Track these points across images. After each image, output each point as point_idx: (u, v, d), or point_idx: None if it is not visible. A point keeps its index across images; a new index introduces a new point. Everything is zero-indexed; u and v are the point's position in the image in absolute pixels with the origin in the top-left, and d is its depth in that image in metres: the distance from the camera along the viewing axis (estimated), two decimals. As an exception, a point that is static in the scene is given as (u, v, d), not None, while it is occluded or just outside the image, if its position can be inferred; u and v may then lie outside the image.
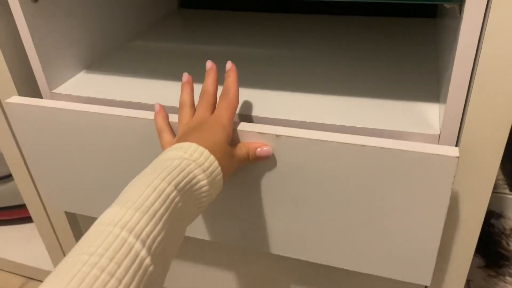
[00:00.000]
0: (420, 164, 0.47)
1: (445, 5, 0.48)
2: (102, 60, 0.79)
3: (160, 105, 0.57)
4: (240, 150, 0.51)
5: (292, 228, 0.57)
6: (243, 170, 0.55)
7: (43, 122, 0.63)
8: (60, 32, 0.69)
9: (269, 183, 0.55)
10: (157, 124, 0.55)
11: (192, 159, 0.44)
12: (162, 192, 0.40)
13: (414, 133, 0.53)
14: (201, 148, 0.45)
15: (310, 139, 0.50)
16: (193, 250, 0.77)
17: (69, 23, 0.71)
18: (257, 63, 0.74)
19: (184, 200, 0.42)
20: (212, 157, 0.46)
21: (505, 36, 0.43)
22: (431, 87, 0.62)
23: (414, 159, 0.47)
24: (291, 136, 0.51)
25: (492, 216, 1.01)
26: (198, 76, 0.70)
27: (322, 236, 0.56)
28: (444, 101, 0.51)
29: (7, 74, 0.74)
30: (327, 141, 0.49)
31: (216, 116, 0.51)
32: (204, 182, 0.44)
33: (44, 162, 0.68)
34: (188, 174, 0.43)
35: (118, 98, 0.65)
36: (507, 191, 1.02)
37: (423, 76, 0.65)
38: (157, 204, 0.39)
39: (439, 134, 0.52)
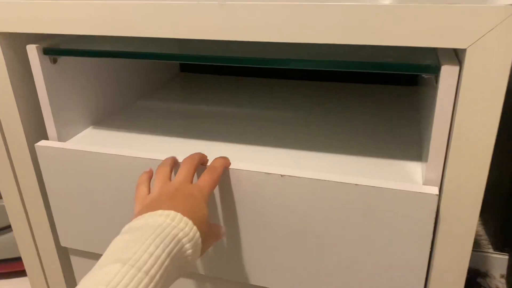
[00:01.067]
0: (405, 200, 0.53)
1: (423, 75, 0.55)
2: (110, 117, 0.84)
3: (151, 169, 0.60)
4: (216, 228, 0.56)
5: (291, 262, 0.62)
6: (248, 207, 0.60)
7: (69, 164, 0.68)
8: (73, 90, 0.75)
9: (272, 218, 0.60)
10: (140, 177, 0.58)
11: (179, 228, 0.47)
12: (158, 258, 0.43)
13: (397, 190, 0.58)
14: (186, 219, 0.48)
15: (311, 178, 0.56)
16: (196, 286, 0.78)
17: (82, 83, 0.76)
18: (253, 123, 0.79)
19: (173, 264, 0.45)
20: (195, 229, 0.48)
21: (477, 101, 0.49)
22: (414, 148, 0.68)
23: (400, 196, 0.53)
24: (294, 176, 0.56)
25: (478, 275, 1.04)
26: (197, 133, 0.75)
27: (318, 270, 0.61)
28: (426, 160, 0.56)
29: (19, 126, 0.78)
30: (325, 180, 0.56)
31: (199, 187, 0.53)
32: (190, 252, 0.47)
33: (66, 202, 0.72)
34: (178, 242, 0.46)
35: (123, 153, 0.69)
36: (490, 250, 1.05)
37: (407, 139, 0.71)
38: (153, 271, 0.42)
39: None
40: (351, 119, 0.80)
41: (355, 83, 0.99)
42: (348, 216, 0.56)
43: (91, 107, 0.80)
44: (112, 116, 0.85)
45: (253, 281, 0.65)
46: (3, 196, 0.84)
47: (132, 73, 0.92)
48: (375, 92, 0.93)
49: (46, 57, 0.67)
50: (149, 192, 0.55)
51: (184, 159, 0.57)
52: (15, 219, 0.84)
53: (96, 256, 0.74)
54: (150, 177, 0.58)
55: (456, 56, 0.51)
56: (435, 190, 0.52)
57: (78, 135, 0.77)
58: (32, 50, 0.66)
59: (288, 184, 0.57)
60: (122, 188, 0.66)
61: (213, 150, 0.70)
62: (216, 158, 0.59)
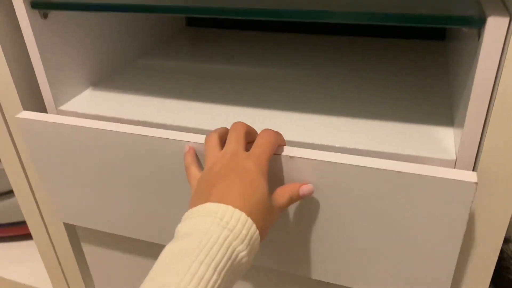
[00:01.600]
0: (436, 189, 0.46)
1: (463, 29, 0.47)
2: (109, 77, 0.78)
3: (190, 146, 0.54)
4: (282, 198, 0.48)
5: (309, 250, 0.56)
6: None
7: (51, 137, 0.62)
8: (68, 48, 0.68)
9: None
10: (185, 159, 0.52)
11: (229, 228, 0.40)
12: (202, 279, 0.37)
13: (429, 158, 0.52)
14: (237, 213, 0.41)
15: (323, 161, 0.49)
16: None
17: (77, 40, 0.70)
18: (265, 82, 0.73)
19: (223, 276, 0.39)
20: (249, 222, 0.42)
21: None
22: (444, 110, 0.61)
23: (431, 184, 0.46)
24: (305, 158, 0.49)
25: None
26: (204, 94, 0.69)
27: (335, 258, 0.55)
28: (461, 126, 0.50)
29: (13, 90, 0.73)
30: (341, 163, 0.48)
31: (255, 156, 0.46)
32: (244, 253, 0.41)
33: (52, 175, 0.66)
34: (227, 249, 0.39)
35: (125, 116, 0.64)
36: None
37: (436, 100, 0.64)
38: None
39: (455, 160, 0.51)
40: (370, 78, 0.73)
41: (373, 37, 0.90)
42: (368, 205, 0.50)
43: (89, 67, 0.74)
44: (112, 76, 0.79)
45: (275, 266, 0.60)
46: (3, 162, 0.80)
47: (133, 28, 0.84)
48: (395, 47, 0.85)
49: (35, 11, 0.61)
50: (200, 170, 0.50)
51: (232, 125, 0.50)
52: (17, 184, 0.81)
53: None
54: (194, 155, 0.53)
55: (505, 6, 0.44)
56: (473, 177, 0.45)
57: (76, 98, 0.71)
58: (19, 4, 0.59)
59: (297, 167, 0.50)
60: (112, 163, 0.60)
61: (221, 114, 0.64)
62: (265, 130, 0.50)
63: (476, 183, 0.44)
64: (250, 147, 0.48)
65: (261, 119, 0.62)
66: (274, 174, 0.51)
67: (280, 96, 0.68)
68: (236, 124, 0.50)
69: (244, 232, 0.41)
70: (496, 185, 0.49)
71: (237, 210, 0.41)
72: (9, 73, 0.70)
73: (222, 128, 0.52)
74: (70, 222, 0.71)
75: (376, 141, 0.55)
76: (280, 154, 0.50)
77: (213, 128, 0.59)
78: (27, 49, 0.63)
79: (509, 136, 0.46)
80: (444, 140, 0.55)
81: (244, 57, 0.84)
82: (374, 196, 0.49)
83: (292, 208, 0.53)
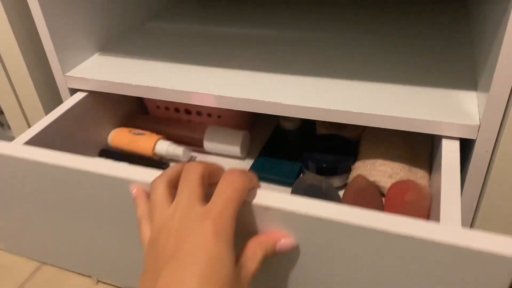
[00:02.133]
0: (459, 261, 0.32)
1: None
2: (117, 42, 0.76)
3: (139, 188, 0.41)
4: (254, 258, 0.35)
5: None
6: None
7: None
8: (74, 12, 0.66)
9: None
10: (137, 210, 0.40)
11: None
12: None
13: (451, 124, 0.50)
14: None
15: (308, 216, 0.35)
16: None
17: (83, 4, 0.67)
18: (276, 45, 0.70)
19: None
20: None
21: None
22: (466, 73, 0.58)
23: (452, 254, 0.32)
24: (284, 210, 0.36)
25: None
26: (212, 57, 0.67)
27: None
28: (486, 89, 0.47)
29: (19, 58, 0.71)
30: (330, 220, 0.34)
31: (213, 215, 0.33)
32: None
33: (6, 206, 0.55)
34: None
35: (133, 82, 0.62)
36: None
37: (457, 62, 0.61)
38: None
39: (479, 125, 0.48)
40: (388, 41, 0.69)
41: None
42: (370, 271, 0.36)
43: (95, 31, 0.71)
44: (120, 40, 0.76)
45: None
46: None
47: (140, -10, 0.81)
48: (414, 8, 0.81)
49: (38, -29, 0.58)
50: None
51: (184, 168, 0.37)
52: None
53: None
54: (147, 202, 0.40)
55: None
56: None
57: (83, 63, 0.69)
58: (20, -36, 0.56)
59: (275, 220, 0.37)
60: (50, 196, 0.49)
61: (229, 78, 0.61)
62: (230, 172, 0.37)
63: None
64: (214, 189, 0.36)
65: (267, 82, 0.60)
66: (244, 228, 0.38)
67: (288, 58, 0.65)
68: (189, 166, 0.37)
69: None
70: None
71: None
72: (15, 40, 0.68)
73: (172, 170, 0.38)
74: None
75: (394, 106, 0.53)
76: (251, 203, 0.37)
77: (223, 94, 0.58)
78: (31, 14, 0.61)
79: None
80: (466, 104, 0.52)
81: (254, 20, 0.81)
82: (376, 263, 0.35)
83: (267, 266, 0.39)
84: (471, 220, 0.56)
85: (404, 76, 0.59)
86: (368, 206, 0.52)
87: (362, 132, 0.67)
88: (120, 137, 0.72)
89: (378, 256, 0.35)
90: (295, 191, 0.59)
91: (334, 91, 0.57)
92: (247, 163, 0.70)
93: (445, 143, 0.51)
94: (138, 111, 0.79)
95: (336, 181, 0.62)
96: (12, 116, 0.80)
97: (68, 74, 0.66)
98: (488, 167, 0.51)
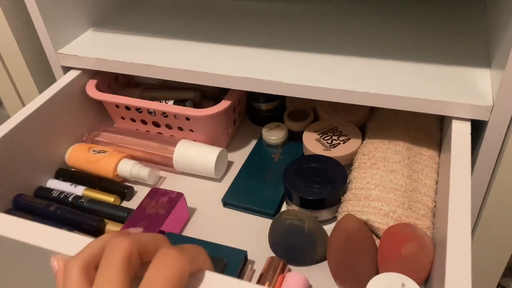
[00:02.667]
0: None
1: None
2: (111, 17, 0.72)
3: (60, 260, 0.31)
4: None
5: None
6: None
7: None
8: (64, -15, 0.62)
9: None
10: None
11: None
12: None
13: (462, 104, 0.46)
14: None
15: None
16: None
17: (74, -25, 0.64)
18: (276, 19, 0.66)
19: None
20: None
21: None
22: (480, 50, 0.55)
23: None
24: None
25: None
26: (210, 33, 0.63)
27: None
28: (501, 67, 0.44)
29: (10, 36, 0.69)
30: None
31: None
32: None
33: None
34: None
35: (127, 59, 0.59)
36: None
37: (470, 38, 0.57)
38: None
39: (492, 106, 0.45)
40: (400, 16, 0.65)
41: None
42: None
43: (88, 5, 0.68)
44: (114, 15, 0.73)
45: None
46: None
47: (135, -39, 0.77)
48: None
49: None
50: None
51: (107, 246, 0.28)
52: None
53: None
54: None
55: None
56: None
57: (76, 40, 0.66)
58: None
59: None
60: None
61: (228, 57, 0.58)
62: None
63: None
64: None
65: (272, 59, 0.56)
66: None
67: (293, 34, 0.62)
68: (112, 243, 0.28)
69: None
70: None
71: None
72: (4, 18, 0.65)
73: (92, 246, 0.30)
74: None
75: (403, 85, 0.49)
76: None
77: (221, 72, 0.55)
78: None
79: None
80: (479, 83, 0.49)
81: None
82: None
83: None
84: (480, 207, 0.54)
85: (413, 53, 0.55)
86: (359, 255, 0.45)
87: (367, 117, 0.64)
88: (77, 155, 0.62)
89: None
90: (273, 231, 0.50)
91: (338, 69, 0.53)
92: (223, 186, 0.61)
93: (455, 124, 0.48)
94: (102, 121, 0.69)
95: (323, 215, 0.54)
96: (6, 95, 0.78)
97: (60, 51, 0.63)
98: (500, 151, 0.48)
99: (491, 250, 0.57)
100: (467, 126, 0.47)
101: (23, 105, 0.77)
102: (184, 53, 0.60)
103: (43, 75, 0.75)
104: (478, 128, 0.49)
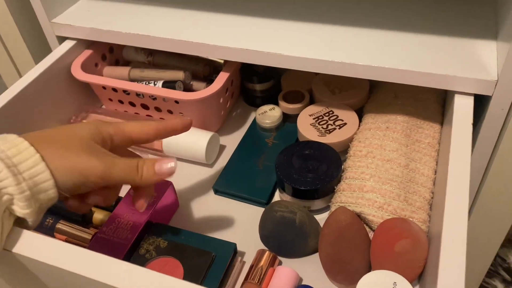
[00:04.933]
0: None
1: None
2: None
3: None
4: (123, 161, 0.38)
5: None
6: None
7: None
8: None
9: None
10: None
11: None
12: None
13: (466, 79, 0.44)
14: (17, 139, 0.35)
15: None
16: None
17: None
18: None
19: None
20: (22, 142, 0.34)
21: None
22: (486, 21, 0.51)
23: None
24: None
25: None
26: (206, 1, 0.59)
27: None
28: (507, 39, 0.41)
29: (2, 5, 0.66)
30: None
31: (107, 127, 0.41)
32: (7, 183, 0.33)
33: None
34: None
35: (123, 30, 0.56)
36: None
37: (476, 8, 0.54)
38: None
39: (497, 81, 0.43)
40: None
41: None
42: None
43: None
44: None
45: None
46: None
47: None
48: None
49: None
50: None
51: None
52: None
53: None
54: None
55: None
56: None
57: (70, 9, 0.63)
58: None
59: None
60: None
61: (227, 27, 0.55)
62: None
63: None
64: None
65: (273, 30, 0.53)
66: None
67: (292, 3, 0.58)
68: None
69: (11, 152, 0.33)
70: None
71: (18, 138, 0.35)
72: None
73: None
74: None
75: (402, 59, 0.47)
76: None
77: (219, 43, 0.52)
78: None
79: None
80: (483, 57, 0.46)
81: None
82: None
83: None
84: (480, 181, 0.52)
85: (417, 25, 0.52)
86: (351, 249, 0.43)
87: (365, 100, 0.61)
88: None
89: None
90: (264, 223, 0.48)
91: (337, 40, 0.51)
92: (215, 171, 0.59)
93: (458, 99, 0.46)
94: (90, 103, 0.67)
95: (316, 204, 0.52)
96: (2, 65, 0.76)
97: (54, 20, 0.60)
98: (502, 126, 0.46)
99: (490, 222, 0.56)
100: (470, 100, 0.45)
101: (20, 75, 0.75)
102: (181, 23, 0.57)
103: (38, 46, 0.73)
104: (481, 103, 0.47)
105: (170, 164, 0.39)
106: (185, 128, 0.44)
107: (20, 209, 0.34)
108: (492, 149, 0.49)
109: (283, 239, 0.47)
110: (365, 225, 0.47)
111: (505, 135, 0.46)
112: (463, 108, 0.45)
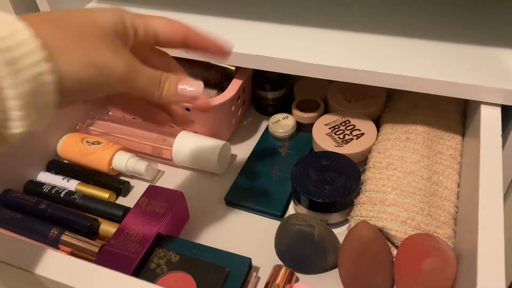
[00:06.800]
0: None
1: None
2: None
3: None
4: (147, 68, 0.32)
5: None
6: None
7: None
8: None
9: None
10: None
11: None
12: None
13: (493, 88, 0.43)
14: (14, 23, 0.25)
15: None
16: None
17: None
18: None
19: None
20: (20, 26, 0.25)
21: None
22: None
23: None
24: None
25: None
26: (220, 6, 0.58)
27: None
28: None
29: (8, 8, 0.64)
30: None
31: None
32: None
33: None
34: None
35: None
36: None
37: (502, 16, 0.52)
38: None
39: None
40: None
41: None
42: None
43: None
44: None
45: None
46: None
47: None
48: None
49: None
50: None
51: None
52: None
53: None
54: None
55: None
56: None
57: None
58: None
59: None
60: None
61: (237, 33, 0.53)
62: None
63: None
64: None
65: (287, 36, 0.51)
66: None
67: (304, 9, 0.56)
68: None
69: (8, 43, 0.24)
70: None
71: (17, 21, 0.25)
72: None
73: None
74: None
75: (428, 67, 0.46)
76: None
77: (234, 50, 0.50)
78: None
79: None
80: (510, 64, 0.45)
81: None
82: None
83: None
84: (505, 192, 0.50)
85: (439, 33, 0.51)
86: (374, 267, 0.42)
87: (382, 109, 0.59)
88: (70, 147, 0.58)
89: None
90: (280, 237, 0.46)
91: (356, 47, 0.49)
92: (226, 181, 0.56)
93: (484, 110, 0.44)
94: (97, 110, 0.64)
95: (333, 218, 0.49)
96: None
97: None
98: None
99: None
100: (497, 111, 0.44)
101: None
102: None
103: None
104: (507, 114, 0.45)
105: (195, 87, 0.34)
106: (219, 53, 0.37)
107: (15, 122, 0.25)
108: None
109: (300, 255, 0.45)
110: (387, 240, 0.45)
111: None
112: (491, 119, 0.43)
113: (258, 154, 0.59)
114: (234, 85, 0.56)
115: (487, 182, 0.38)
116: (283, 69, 0.50)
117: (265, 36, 0.53)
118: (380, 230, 0.45)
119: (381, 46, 0.49)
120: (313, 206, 0.49)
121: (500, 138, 0.41)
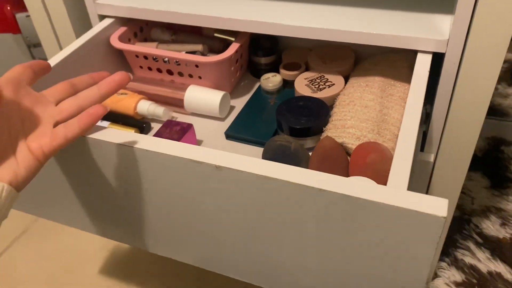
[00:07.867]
0: (392, 219, 0.38)
1: None
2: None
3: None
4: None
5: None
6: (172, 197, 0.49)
7: None
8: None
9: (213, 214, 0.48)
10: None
11: None
12: None
13: (425, 39, 0.57)
14: None
15: (256, 174, 0.41)
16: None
17: None
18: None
19: None
20: None
21: None
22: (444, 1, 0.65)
23: (385, 213, 0.37)
24: (234, 169, 0.41)
25: (502, 143, 1.05)
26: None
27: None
28: (453, 12, 0.54)
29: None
30: (275, 179, 0.40)
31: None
32: None
33: None
34: None
35: (155, 7, 0.68)
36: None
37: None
38: None
39: (448, 40, 0.56)
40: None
41: None
42: (310, 228, 0.43)
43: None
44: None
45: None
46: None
47: None
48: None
49: None
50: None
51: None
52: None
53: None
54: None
55: None
56: (442, 210, 0.36)
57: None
58: None
59: (225, 178, 0.43)
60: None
61: (236, 4, 0.69)
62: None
63: (445, 217, 0.35)
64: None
65: (280, 6, 0.67)
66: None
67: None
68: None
69: None
70: (480, 63, 0.55)
71: None
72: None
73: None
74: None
75: (379, 25, 0.60)
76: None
77: (233, 16, 0.64)
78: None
79: (493, 19, 0.50)
80: (440, 24, 0.59)
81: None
82: (315, 221, 0.42)
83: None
84: (442, 130, 0.64)
85: (390, 4, 0.65)
86: (334, 167, 0.55)
87: (351, 69, 0.74)
88: None
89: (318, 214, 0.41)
90: (265, 151, 0.60)
91: (327, 15, 0.64)
92: (227, 123, 0.71)
93: (419, 57, 0.58)
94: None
95: (308, 142, 0.64)
96: (46, 38, 0.88)
97: (98, 1, 0.73)
98: (456, 77, 0.58)
99: (452, 162, 0.68)
100: (429, 57, 0.58)
101: (60, 48, 0.87)
102: (200, 1, 0.70)
103: (81, 22, 0.85)
104: (441, 59, 0.59)
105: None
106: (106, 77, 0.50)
107: None
108: (449, 98, 0.61)
109: (280, 162, 0.59)
110: (345, 153, 0.59)
111: (458, 83, 0.59)
112: (422, 62, 0.58)
113: (252, 102, 0.74)
114: (234, 46, 0.71)
115: (410, 108, 0.51)
116: (271, 31, 0.64)
117: (257, 6, 0.67)
118: (341, 145, 0.59)
119: (343, 13, 0.64)
120: (292, 132, 0.63)
121: (427, 74, 0.55)
